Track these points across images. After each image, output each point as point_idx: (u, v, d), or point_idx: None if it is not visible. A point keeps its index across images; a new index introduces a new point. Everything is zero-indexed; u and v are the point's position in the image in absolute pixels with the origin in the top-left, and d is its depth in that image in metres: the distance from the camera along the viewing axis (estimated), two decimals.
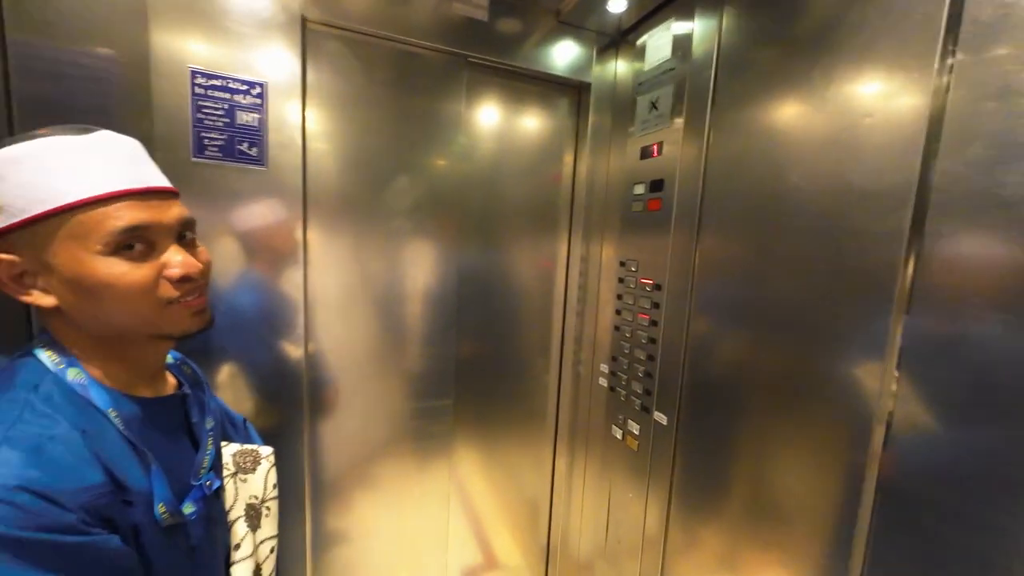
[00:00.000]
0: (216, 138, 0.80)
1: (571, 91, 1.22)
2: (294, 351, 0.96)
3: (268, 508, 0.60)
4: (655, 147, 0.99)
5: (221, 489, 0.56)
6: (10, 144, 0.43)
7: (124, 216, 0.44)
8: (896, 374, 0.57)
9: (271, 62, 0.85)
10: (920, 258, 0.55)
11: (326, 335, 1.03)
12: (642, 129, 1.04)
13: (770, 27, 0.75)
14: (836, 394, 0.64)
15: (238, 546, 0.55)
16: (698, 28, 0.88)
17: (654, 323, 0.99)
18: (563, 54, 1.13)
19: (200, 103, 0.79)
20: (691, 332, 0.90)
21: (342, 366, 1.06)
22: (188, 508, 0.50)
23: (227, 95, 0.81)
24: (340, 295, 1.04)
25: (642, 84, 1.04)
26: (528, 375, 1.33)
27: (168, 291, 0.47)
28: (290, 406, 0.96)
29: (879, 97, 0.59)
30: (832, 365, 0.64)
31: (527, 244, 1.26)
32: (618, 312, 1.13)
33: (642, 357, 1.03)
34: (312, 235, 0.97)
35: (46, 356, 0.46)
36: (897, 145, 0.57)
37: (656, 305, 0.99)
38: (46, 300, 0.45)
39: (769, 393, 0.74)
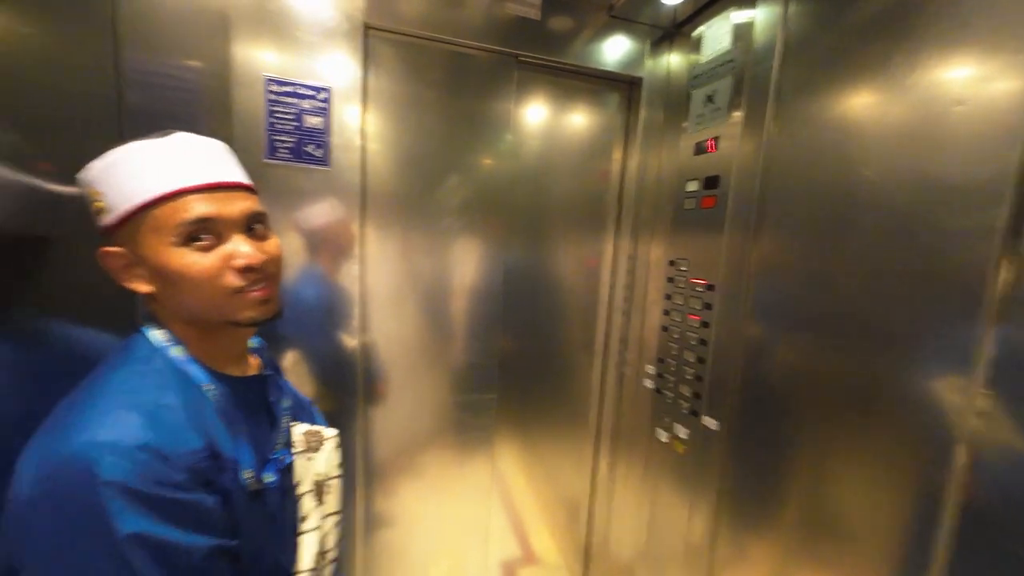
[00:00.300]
0: (286, 140, 0.87)
1: (622, 87, 1.20)
2: (350, 341, 1.02)
3: (332, 486, 0.65)
4: (710, 142, 0.95)
5: (292, 464, 0.61)
6: (112, 151, 0.49)
7: (191, 209, 0.48)
8: (984, 390, 0.52)
9: (335, 68, 0.90)
10: (1017, 260, 0.49)
11: (378, 327, 1.09)
12: (697, 124, 1.00)
13: (843, 10, 0.70)
14: (912, 409, 0.59)
15: (305, 518, 0.60)
16: (761, 16, 0.84)
17: (705, 324, 0.96)
18: (615, 49, 1.12)
19: (273, 108, 0.86)
20: (746, 335, 0.86)
21: (392, 357, 1.11)
22: (268, 477, 0.55)
23: (296, 100, 0.87)
24: (392, 290, 1.09)
25: (697, 77, 1.00)
26: (571, 373, 1.33)
27: (233, 280, 0.50)
28: (345, 393, 1.02)
29: (972, 82, 0.54)
30: (908, 377, 0.59)
31: (573, 242, 1.26)
32: (666, 312, 1.10)
33: (691, 359, 1.00)
34: (368, 232, 1.02)
35: (154, 335, 0.52)
36: (992, 135, 0.52)
37: (708, 306, 0.95)
38: (144, 287, 0.51)
39: (834, 403, 0.70)
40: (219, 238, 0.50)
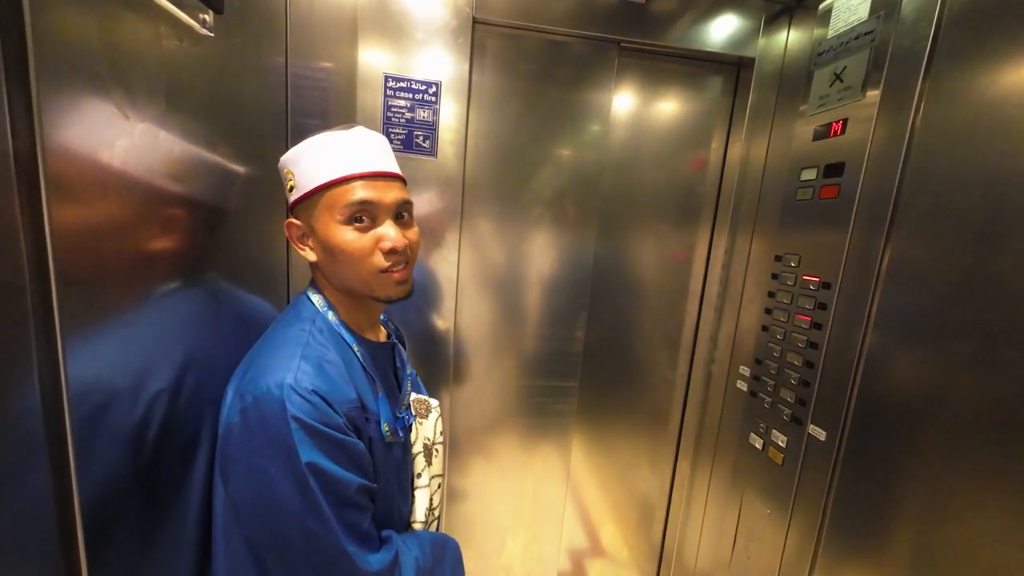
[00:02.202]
0: (400, 132, 0.94)
1: (728, 69, 1.13)
2: (443, 323, 1.08)
3: (437, 450, 0.71)
4: (836, 125, 0.86)
5: (412, 425, 0.68)
6: (307, 139, 0.58)
7: (356, 193, 0.55)
8: None
9: (444, 63, 0.95)
10: None
11: (469, 311, 1.14)
12: (819, 106, 0.91)
13: None
14: None
15: (419, 475, 0.67)
16: None
17: (817, 326, 0.88)
18: (723, 28, 1.05)
19: (390, 103, 0.93)
20: (870, 340, 0.77)
21: (480, 340, 1.16)
22: (399, 432, 0.62)
23: (410, 95, 0.94)
24: (484, 276, 1.13)
25: (823, 54, 0.91)
26: (655, 369, 1.29)
27: (380, 261, 0.56)
28: (436, 371, 1.09)
29: None
30: None
31: (665, 234, 1.22)
32: (768, 311, 1.02)
33: (797, 363, 0.92)
34: (466, 220, 1.08)
35: (316, 299, 0.61)
36: None
37: (822, 306, 0.87)
38: (311, 256, 0.59)
39: (986, 425, 0.61)
40: (373, 221, 0.57)
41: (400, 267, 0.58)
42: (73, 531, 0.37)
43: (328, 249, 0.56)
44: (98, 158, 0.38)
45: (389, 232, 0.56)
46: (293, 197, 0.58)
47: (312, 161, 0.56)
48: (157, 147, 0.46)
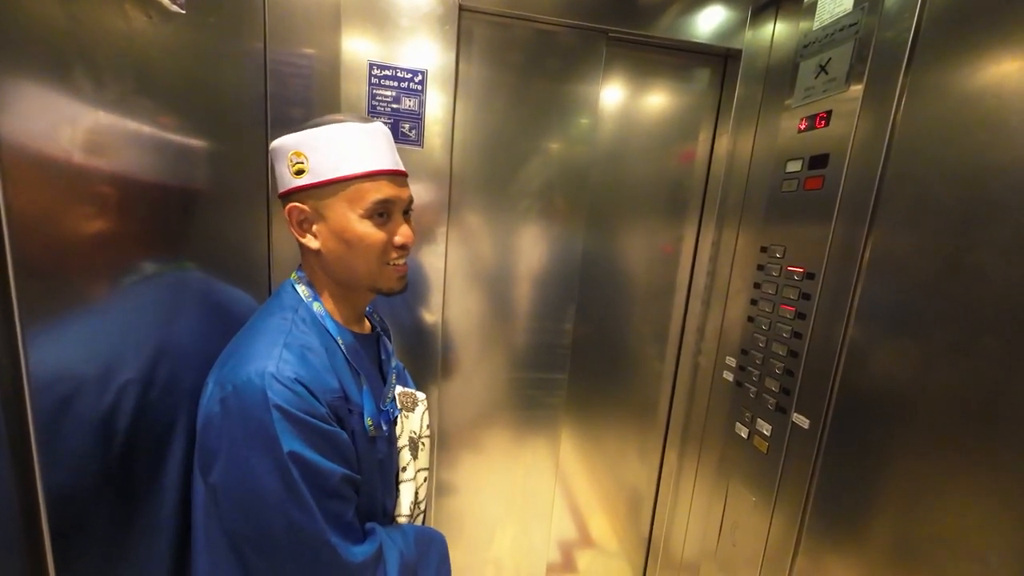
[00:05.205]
0: (385, 122, 0.92)
1: (715, 61, 1.13)
2: (430, 317, 1.07)
3: (423, 443, 0.70)
4: (820, 117, 0.87)
5: (397, 418, 0.67)
6: (323, 125, 0.56)
7: (383, 190, 0.56)
8: None
9: (430, 51, 0.94)
10: None
11: (457, 304, 1.13)
12: (804, 98, 0.92)
13: None
14: None
15: (404, 469, 0.66)
16: None
17: (801, 316, 0.89)
18: (711, 19, 1.05)
19: (375, 91, 0.91)
20: (852, 329, 0.79)
21: (469, 333, 1.16)
22: (382, 426, 0.61)
23: (395, 83, 0.92)
24: (471, 269, 1.12)
25: (808, 46, 0.92)
26: (643, 361, 1.30)
27: (392, 255, 0.58)
28: (424, 366, 1.08)
29: None
30: None
31: (653, 227, 1.22)
32: (754, 302, 1.03)
33: (781, 352, 0.93)
34: (453, 212, 1.06)
35: (300, 289, 0.59)
36: None
37: (805, 296, 0.88)
38: (314, 243, 0.58)
39: (966, 413, 0.62)
40: (389, 217, 0.57)
41: (404, 261, 0.60)
42: (39, 527, 0.35)
43: (345, 240, 0.56)
44: (59, 139, 0.36)
45: (402, 228, 0.58)
46: (302, 182, 0.56)
47: (334, 150, 0.55)
48: (124, 129, 0.44)
